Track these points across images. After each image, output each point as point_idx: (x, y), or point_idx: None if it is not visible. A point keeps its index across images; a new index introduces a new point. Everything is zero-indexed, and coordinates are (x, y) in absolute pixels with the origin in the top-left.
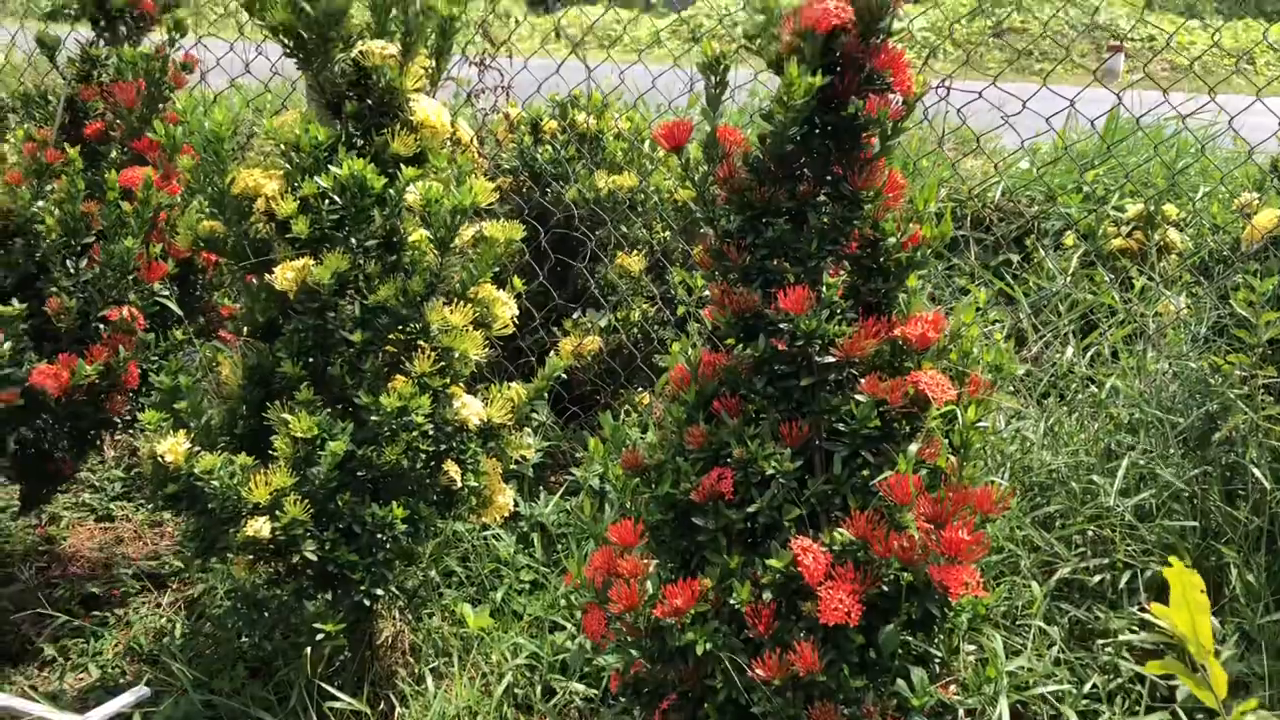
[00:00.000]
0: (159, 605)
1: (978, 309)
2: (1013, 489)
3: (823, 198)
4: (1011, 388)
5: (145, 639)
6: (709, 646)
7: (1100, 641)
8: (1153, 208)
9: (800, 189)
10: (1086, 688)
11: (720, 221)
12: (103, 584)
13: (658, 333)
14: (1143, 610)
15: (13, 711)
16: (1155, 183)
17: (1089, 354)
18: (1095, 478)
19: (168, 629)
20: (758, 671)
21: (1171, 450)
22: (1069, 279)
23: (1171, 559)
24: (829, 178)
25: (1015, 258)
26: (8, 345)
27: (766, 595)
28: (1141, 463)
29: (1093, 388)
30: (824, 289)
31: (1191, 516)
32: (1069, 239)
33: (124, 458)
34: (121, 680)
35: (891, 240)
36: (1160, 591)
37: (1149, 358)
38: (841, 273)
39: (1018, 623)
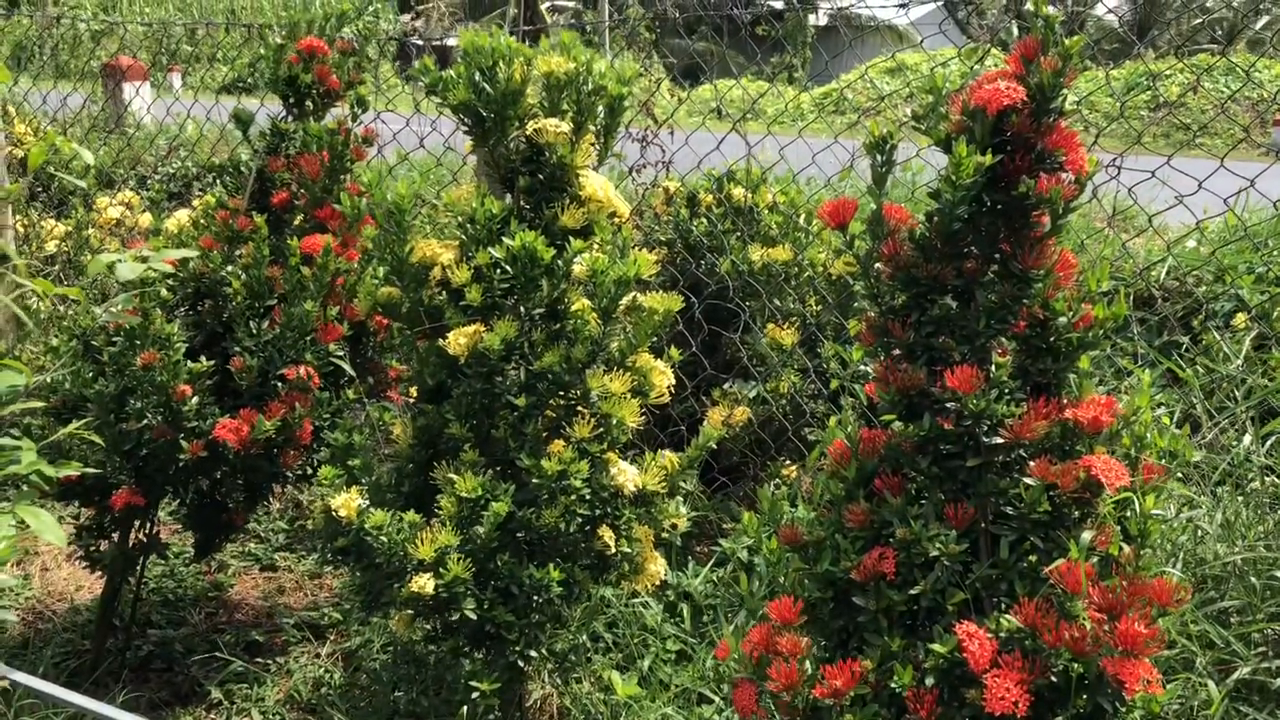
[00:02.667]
0: (318, 655)
1: (1166, 406)
2: (1187, 582)
3: (991, 276)
4: (1182, 475)
5: (305, 688)
6: None
7: None
8: None
9: (967, 266)
10: None
11: (884, 298)
12: (265, 632)
13: (808, 405)
14: None
15: None
16: None
17: (1269, 442)
18: (1277, 573)
19: (326, 679)
20: None
21: None
22: (1242, 362)
23: None
24: (997, 256)
25: (1183, 339)
26: (195, 400)
27: (929, 680)
28: None
29: (1272, 477)
30: (993, 368)
31: None
32: (1239, 320)
33: (287, 509)
34: None
35: (1062, 320)
36: None
37: None
38: (1009, 353)
39: None
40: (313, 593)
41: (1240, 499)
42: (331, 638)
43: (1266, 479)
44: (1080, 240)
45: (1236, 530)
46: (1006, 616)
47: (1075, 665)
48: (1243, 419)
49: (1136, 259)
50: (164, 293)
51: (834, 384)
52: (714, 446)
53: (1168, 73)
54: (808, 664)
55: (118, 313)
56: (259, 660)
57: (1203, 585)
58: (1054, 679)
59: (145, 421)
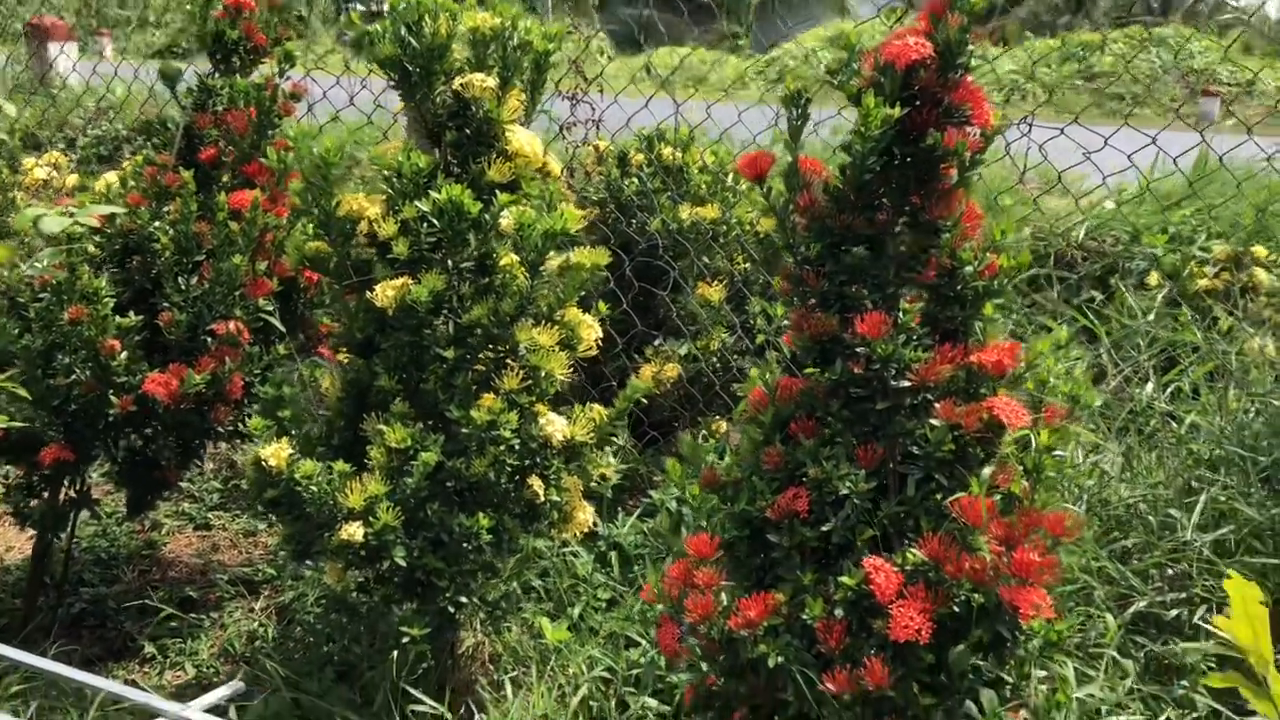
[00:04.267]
0: (252, 610)
1: (1059, 346)
2: (1088, 519)
3: (901, 227)
4: (1091, 423)
5: (239, 641)
6: (781, 660)
7: (1177, 677)
8: (1240, 248)
9: (879, 217)
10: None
11: (800, 249)
12: (199, 588)
13: (736, 362)
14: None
15: (120, 698)
16: (1244, 224)
17: (1168, 390)
18: (1173, 511)
19: (260, 632)
20: (828, 686)
21: (1253, 488)
22: (1152, 318)
23: (1231, 572)
24: (907, 207)
25: (1099, 296)
26: (124, 355)
27: (839, 612)
28: (1221, 499)
29: (1173, 424)
30: (900, 314)
31: (1274, 554)
32: (1153, 278)
33: (221, 469)
34: (216, 679)
35: (969, 269)
36: None
37: (1231, 395)
38: (919, 301)
39: (1092, 654)
40: (247, 550)
41: (1141, 443)
42: (266, 593)
43: (1167, 425)
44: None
45: (1138, 473)
46: (912, 550)
47: (976, 595)
48: (1146, 367)
49: (1058, 221)
50: (91, 249)
51: (760, 339)
52: (644, 402)
53: (1102, 44)
54: (723, 597)
55: (44, 268)
56: (193, 616)
57: (1106, 526)
58: (956, 609)
59: (74, 377)
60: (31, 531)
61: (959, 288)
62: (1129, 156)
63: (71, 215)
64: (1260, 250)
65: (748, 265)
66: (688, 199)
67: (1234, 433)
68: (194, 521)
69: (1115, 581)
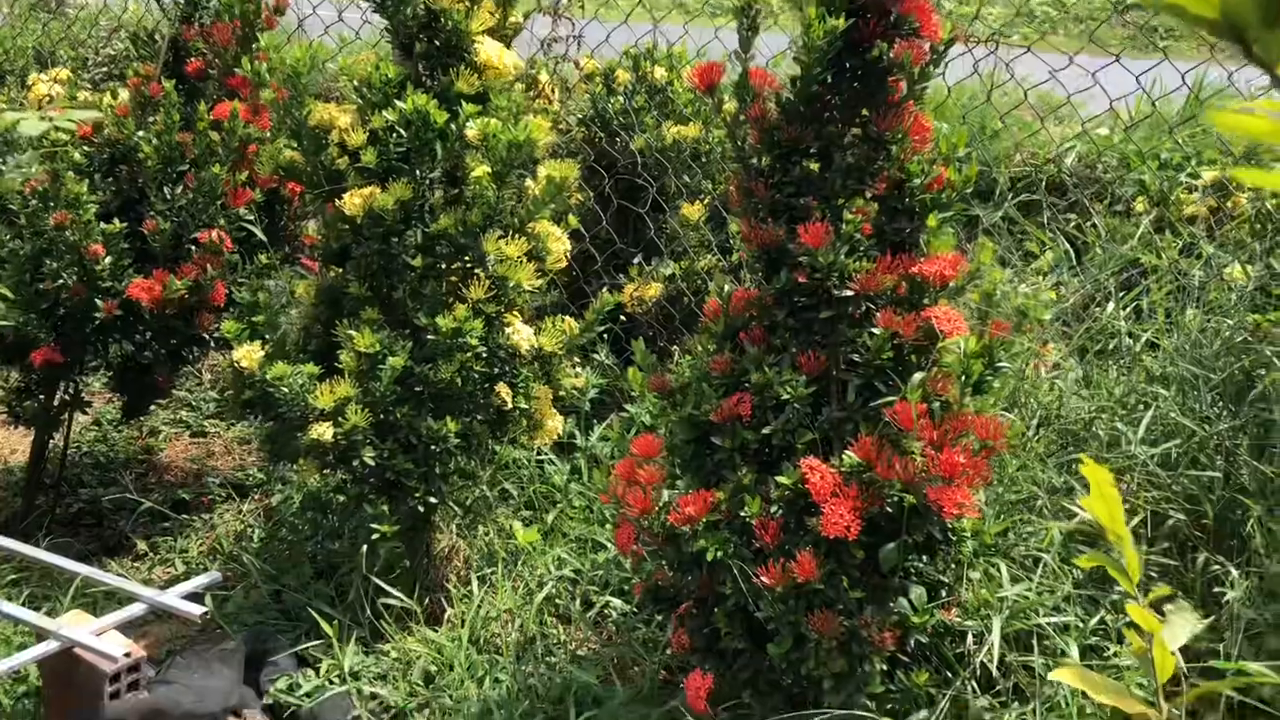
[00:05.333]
0: (241, 512)
1: (1044, 272)
2: (1043, 434)
3: (850, 139)
4: (1055, 342)
5: (227, 540)
6: (719, 554)
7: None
8: (1226, 174)
9: (827, 129)
10: (1093, 623)
11: (750, 160)
12: (193, 491)
13: (717, 281)
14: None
15: (99, 583)
16: (1234, 151)
17: (1130, 309)
18: (1120, 425)
19: (247, 533)
20: (763, 579)
21: (1204, 405)
22: (1134, 243)
23: (1083, 456)
24: (857, 120)
25: (1089, 223)
26: (109, 260)
27: (775, 509)
28: (1172, 415)
29: (1129, 340)
30: (844, 225)
31: (1219, 470)
32: (1139, 204)
33: (218, 380)
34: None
35: (916, 181)
36: (1175, 536)
37: (1189, 315)
38: (869, 214)
39: (1037, 560)
40: (241, 457)
41: (1100, 361)
42: (255, 497)
43: (1127, 343)
44: (971, 117)
45: (1095, 390)
46: (848, 453)
47: (907, 495)
48: (1105, 288)
49: (1051, 147)
50: (76, 156)
51: (734, 256)
52: (625, 319)
53: None
54: (665, 494)
55: (27, 171)
56: (185, 517)
57: (1063, 441)
58: (890, 510)
59: (61, 281)
60: (27, 431)
61: (906, 200)
62: (1137, 78)
63: (51, 120)
64: (1244, 175)
65: (729, 185)
66: (672, 118)
67: (1189, 350)
68: (190, 428)
69: (1059, 492)
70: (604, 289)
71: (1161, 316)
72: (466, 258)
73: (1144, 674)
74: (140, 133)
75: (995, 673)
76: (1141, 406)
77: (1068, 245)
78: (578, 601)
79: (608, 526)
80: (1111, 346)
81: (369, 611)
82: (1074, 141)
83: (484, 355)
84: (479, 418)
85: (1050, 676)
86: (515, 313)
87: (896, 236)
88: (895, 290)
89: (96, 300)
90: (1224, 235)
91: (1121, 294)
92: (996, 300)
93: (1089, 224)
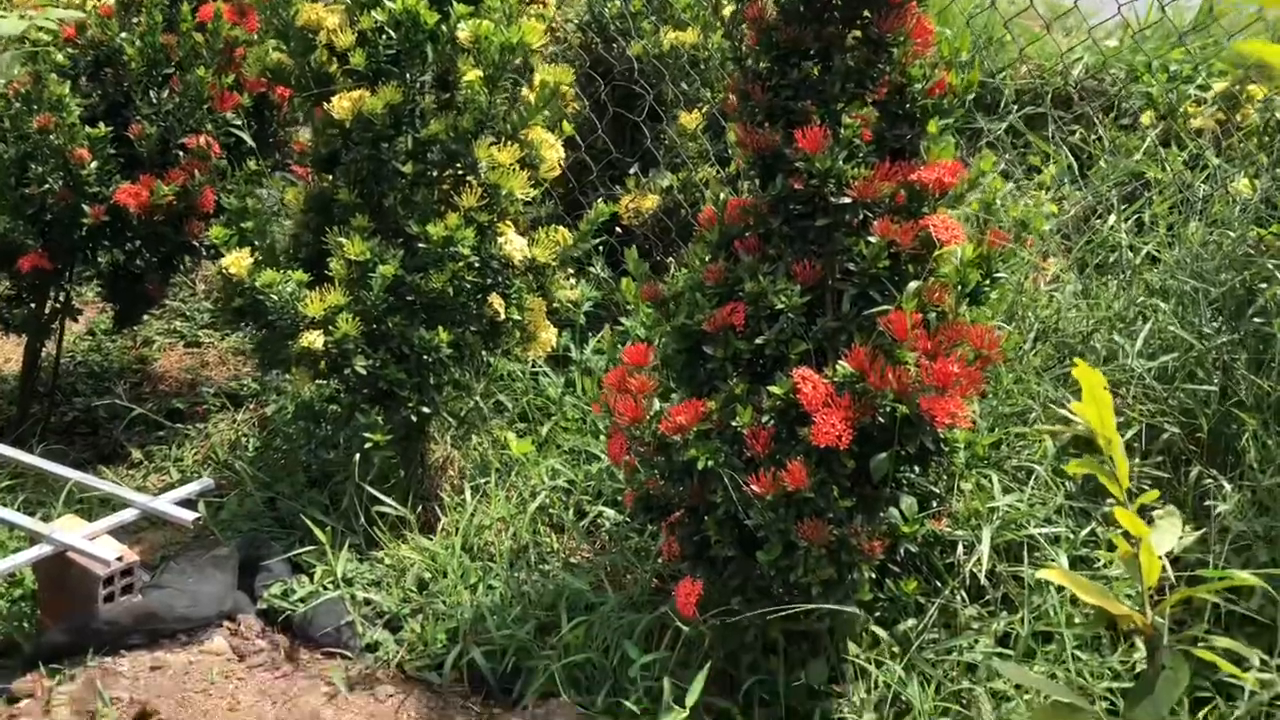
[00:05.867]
0: (236, 421)
1: (1047, 186)
2: (1040, 348)
3: (851, 41)
4: (1055, 255)
5: (222, 449)
6: (710, 463)
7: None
8: (1237, 86)
9: (828, 30)
10: (1084, 534)
11: (747, 62)
12: (188, 401)
13: (713, 189)
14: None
15: (92, 489)
16: (1247, 61)
17: (1132, 222)
18: (1117, 338)
19: (242, 442)
20: (753, 487)
21: (1203, 319)
22: (1139, 155)
23: (1076, 360)
24: (858, 22)
25: (1094, 137)
26: (95, 165)
27: (767, 419)
28: (1171, 329)
29: (1130, 254)
30: (843, 130)
31: (1215, 384)
32: (1146, 117)
33: (212, 291)
34: None
35: (918, 86)
36: (1169, 450)
37: (1192, 228)
38: (868, 120)
39: (1029, 473)
40: (236, 367)
41: (1100, 274)
42: (250, 406)
43: (1128, 256)
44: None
45: (1094, 303)
46: (841, 363)
47: (900, 406)
48: (1110, 200)
49: (1057, 58)
50: (59, 58)
51: (732, 167)
52: (620, 232)
53: None
54: (656, 403)
55: (9, 73)
56: (180, 426)
57: (1060, 355)
58: (880, 419)
59: (47, 186)
60: (17, 337)
61: (907, 105)
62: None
63: (30, 19)
64: (1256, 90)
65: (728, 93)
66: (670, 23)
67: (1190, 264)
68: (185, 339)
69: (1054, 405)
70: (600, 200)
71: (1163, 230)
72: (458, 164)
73: (1131, 583)
74: (124, 34)
75: (984, 582)
76: (1140, 320)
77: (1071, 158)
78: (571, 511)
79: (601, 438)
80: (1112, 260)
81: (363, 519)
82: (1081, 53)
83: (476, 265)
84: (472, 328)
85: (1038, 575)
86: (508, 222)
87: (896, 143)
88: (893, 198)
89: (84, 206)
90: (1231, 148)
91: (1124, 207)
92: (996, 210)
93: (1094, 137)
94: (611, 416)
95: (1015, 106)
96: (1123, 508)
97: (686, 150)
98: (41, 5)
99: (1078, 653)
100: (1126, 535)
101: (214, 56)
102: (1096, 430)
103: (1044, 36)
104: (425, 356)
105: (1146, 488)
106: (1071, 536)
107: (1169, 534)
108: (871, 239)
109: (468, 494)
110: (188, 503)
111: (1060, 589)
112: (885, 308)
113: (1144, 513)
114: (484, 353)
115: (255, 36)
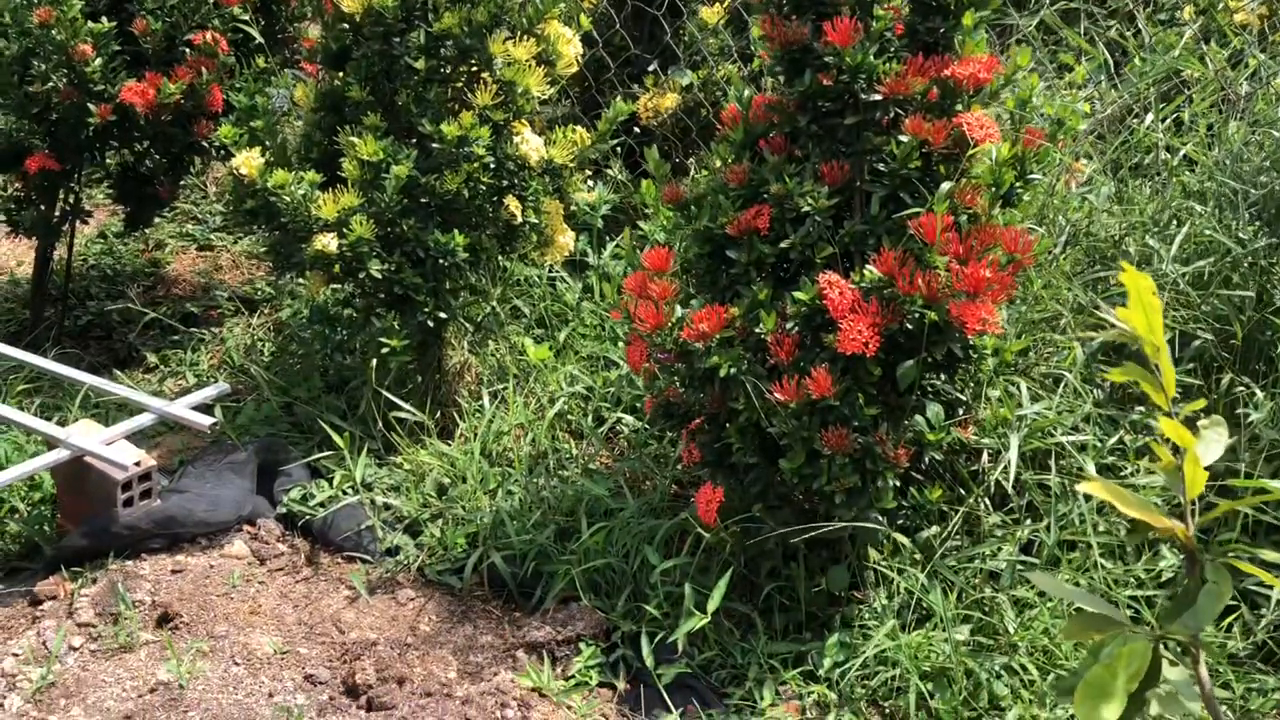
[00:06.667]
0: (250, 325)
1: (1080, 85)
2: (1070, 251)
3: None
4: (1087, 155)
5: (237, 353)
6: (733, 371)
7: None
8: None
9: None
10: (1112, 442)
11: None
12: (201, 305)
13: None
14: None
15: (107, 393)
16: None
17: (1169, 122)
18: (1151, 242)
19: (257, 346)
20: (776, 395)
21: (1241, 222)
22: (1178, 51)
23: (1124, 264)
24: None
25: (1131, 31)
26: (99, 62)
27: (791, 326)
28: (1207, 233)
29: (1166, 155)
30: (874, 21)
31: (1251, 289)
32: (1186, 12)
33: (224, 194)
34: None
35: None
36: (1201, 357)
37: (1232, 128)
38: (900, 10)
39: (1057, 380)
40: (249, 271)
41: (1134, 176)
42: (265, 311)
43: (1165, 157)
44: None
45: (1128, 206)
46: (869, 268)
47: (928, 312)
48: (1145, 97)
49: None
50: None
51: (755, 64)
52: (638, 132)
53: None
54: (678, 309)
55: None
56: (194, 330)
57: (1091, 259)
58: (909, 325)
59: (50, 84)
60: (30, 239)
61: None
62: None
63: None
64: None
65: None
66: None
67: (1229, 165)
68: (197, 242)
69: (1085, 311)
70: (618, 99)
71: (1203, 129)
72: (472, 60)
73: (1161, 492)
74: None
75: (1009, 490)
76: (1175, 223)
77: (1106, 55)
78: (589, 418)
79: (620, 345)
80: (1147, 161)
81: (380, 425)
82: None
83: (491, 166)
84: (488, 231)
85: (1079, 489)
86: (524, 121)
87: (929, 36)
88: (925, 95)
89: (89, 105)
90: (1276, 43)
91: (1161, 106)
92: (1032, 108)
93: (1131, 32)
94: (631, 323)
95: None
96: (1168, 417)
97: (707, 47)
98: None
99: (1103, 560)
100: (1171, 445)
101: None
102: (1144, 337)
103: None
104: (441, 260)
105: (1178, 397)
106: (1099, 445)
107: (1215, 445)
108: (903, 138)
109: (485, 400)
110: (204, 408)
111: (1088, 498)
112: (916, 210)
113: (1186, 423)
114: (500, 257)
115: None
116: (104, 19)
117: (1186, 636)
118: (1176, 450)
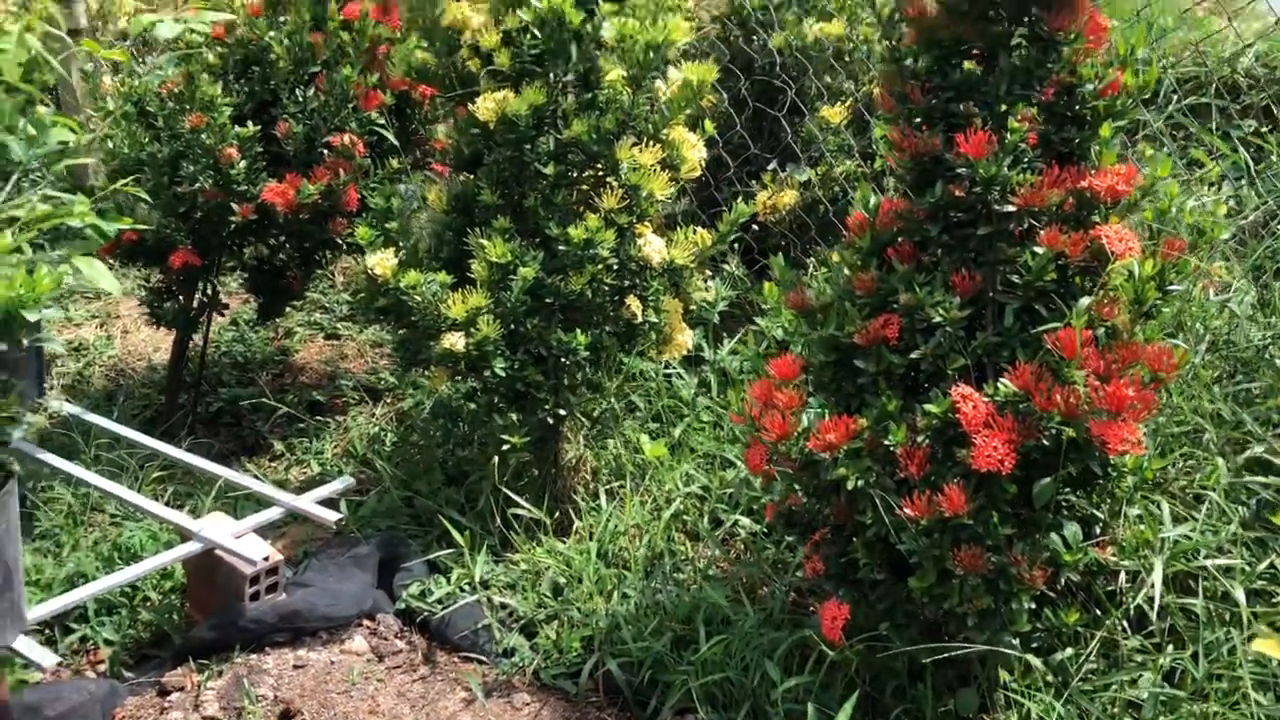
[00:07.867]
0: (374, 415)
1: (1212, 183)
2: (1210, 362)
3: (1017, 39)
4: (1225, 261)
5: (360, 443)
6: (860, 483)
7: None
8: None
9: (993, 28)
10: (1262, 566)
11: (905, 61)
12: (327, 393)
13: (862, 191)
14: None
15: (238, 485)
16: None
17: None
18: None
19: (380, 436)
20: (907, 511)
21: None
22: None
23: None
24: (1026, 18)
25: (1265, 128)
26: (243, 164)
27: (921, 439)
28: None
29: None
30: (1009, 134)
31: None
32: None
33: (351, 284)
34: (337, 476)
35: (1089, 86)
36: None
37: None
38: (1033, 121)
39: (1198, 498)
40: (373, 360)
41: (1277, 281)
42: (387, 400)
43: None
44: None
45: (1273, 312)
46: (1003, 381)
47: (1066, 429)
48: None
49: (1225, 45)
50: (211, 58)
51: (878, 163)
52: (757, 228)
53: None
54: (805, 419)
55: (164, 73)
56: (319, 418)
57: (1232, 369)
58: (1045, 442)
59: (197, 185)
60: (169, 331)
61: (1076, 107)
62: None
63: (185, 22)
64: None
65: (873, 89)
66: (814, 14)
67: None
68: (324, 331)
69: (1228, 423)
70: (737, 197)
71: None
72: (599, 165)
73: None
74: (271, 33)
75: (1150, 614)
76: None
77: (1244, 153)
78: (706, 519)
79: (736, 444)
80: None
81: (499, 520)
82: (1254, 39)
83: (615, 267)
84: (608, 330)
85: (1253, 648)
86: (646, 223)
87: (1064, 147)
88: (1061, 206)
89: (232, 204)
90: None
91: None
92: (1173, 219)
93: (1268, 129)
94: (753, 429)
95: (1175, 96)
96: None
97: (826, 144)
98: (197, 7)
99: (1256, 695)
100: None
101: (360, 55)
102: None
103: (1221, 28)
104: (563, 359)
105: None
106: (1248, 569)
107: None
108: (1038, 250)
109: (602, 498)
110: (329, 501)
111: (1239, 625)
112: (1054, 325)
113: None
114: (619, 354)
115: (398, 34)
116: (249, 123)
117: None
118: None
